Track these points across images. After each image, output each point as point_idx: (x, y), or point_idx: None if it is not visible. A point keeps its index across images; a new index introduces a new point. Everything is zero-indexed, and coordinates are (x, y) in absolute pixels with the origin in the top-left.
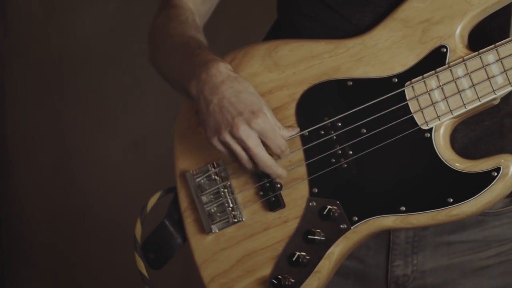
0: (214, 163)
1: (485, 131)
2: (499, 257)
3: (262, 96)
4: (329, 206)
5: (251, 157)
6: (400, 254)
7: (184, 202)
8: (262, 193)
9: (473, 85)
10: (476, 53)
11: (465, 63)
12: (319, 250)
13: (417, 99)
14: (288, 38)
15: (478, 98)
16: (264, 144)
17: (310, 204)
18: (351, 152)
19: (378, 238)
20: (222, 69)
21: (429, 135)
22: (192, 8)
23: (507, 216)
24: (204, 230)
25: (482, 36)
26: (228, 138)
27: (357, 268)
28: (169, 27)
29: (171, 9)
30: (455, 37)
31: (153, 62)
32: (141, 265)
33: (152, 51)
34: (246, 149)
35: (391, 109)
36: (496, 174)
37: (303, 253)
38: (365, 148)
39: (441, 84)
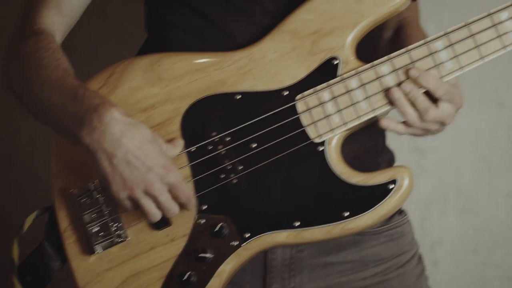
0: (96, 182)
1: (361, 149)
2: (376, 277)
3: (144, 111)
4: (220, 223)
5: (159, 209)
6: (277, 278)
7: (63, 222)
8: None
9: (368, 97)
10: (370, 64)
11: (359, 75)
12: (209, 268)
13: (309, 112)
14: (159, 52)
15: (373, 109)
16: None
17: (199, 221)
18: (241, 167)
19: (254, 262)
20: (115, 115)
21: (321, 148)
22: (55, 30)
23: (384, 235)
24: (87, 250)
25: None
26: (140, 196)
27: None
28: (41, 56)
29: (38, 35)
30: (346, 48)
31: (15, 88)
32: None
33: (14, 77)
34: (157, 203)
35: (282, 122)
36: (392, 186)
37: (193, 272)
38: (256, 163)
39: (334, 97)
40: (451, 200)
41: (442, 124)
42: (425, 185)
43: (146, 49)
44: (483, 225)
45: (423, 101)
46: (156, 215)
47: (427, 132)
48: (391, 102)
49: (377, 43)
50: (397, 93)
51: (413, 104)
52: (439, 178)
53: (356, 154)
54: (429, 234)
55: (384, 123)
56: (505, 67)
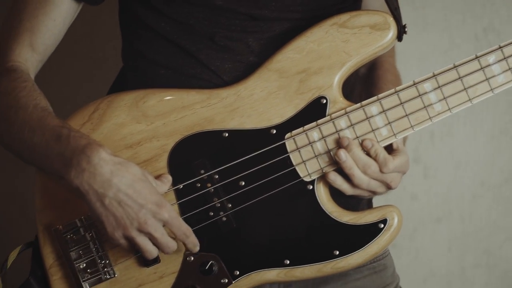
0: (83, 218)
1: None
2: None
3: (130, 148)
4: (210, 261)
5: (155, 245)
6: None
7: (49, 259)
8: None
9: (357, 137)
10: (359, 104)
11: (348, 115)
12: None
13: (299, 151)
14: (140, 87)
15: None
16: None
17: (188, 259)
18: (230, 205)
19: None
20: (104, 155)
21: (311, 187)
22: (29, 67)
23: (367, 268)
24: (74, 287)
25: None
26: (135, 234)
27: None
28: (17, 95)
29: (11, 73)
30: (334, 87)
31: None
32: None
33: None
34: (152, 239)
35: (271, 161)
36: (382, 225)
37: None
38: (245, 201)
39: (323, 136)
40: None
41: (388, 186)
42: None
43: (123, 81)
44: None
45: (383, 152)
46: (153, 252)
47: (373, 194)
48: (337, 163)
49: (354, 78)
50: (343, 154)
51: (375, 156)
52: None
53: (337, 190)
54: None
55: (331, 177)
56: None
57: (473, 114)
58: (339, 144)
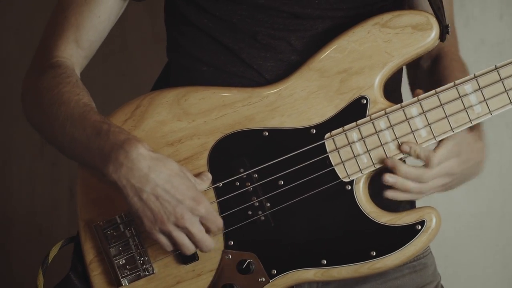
0: (123, 214)
1: (383, 186)
2: None
3: (171, 146)
4: (248, 260)
5: (192, 241)
6: None
7: (89, 254)
8: None
9: (396, 138)
10: (399, 105)
11: (387, 116)
12: None
13: (338, 152)
14: (183, 84)
15: (402, 151)
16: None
17: (226, 257)
18: (268, 205)
19: None
20: (142, 151)
21: (350, 187)
22: (74, 62)
23: (407, 266)
24: (113, 283)
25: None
26: (172, 228)
27: None
28: (60, 91)
29: (56, 68)
30: (375, 88)
31: (35, 122)
32: None
33: (34, 112)
34: (189, 235)
35: (310, 161)
36: (420, 227)
37: None
38: (284, 201)
39: (363, 137)
40: None
41: (450, 175)
42: None
43: (166, 76)
44: None
45: (423, 150)
46: (190, 247)
47: (443, 187)
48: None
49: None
50: (390, 179)
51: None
52: None
53: (378, 190)
54: None
55: (389, 195)
56: None
57: None
58: (383, 164)
